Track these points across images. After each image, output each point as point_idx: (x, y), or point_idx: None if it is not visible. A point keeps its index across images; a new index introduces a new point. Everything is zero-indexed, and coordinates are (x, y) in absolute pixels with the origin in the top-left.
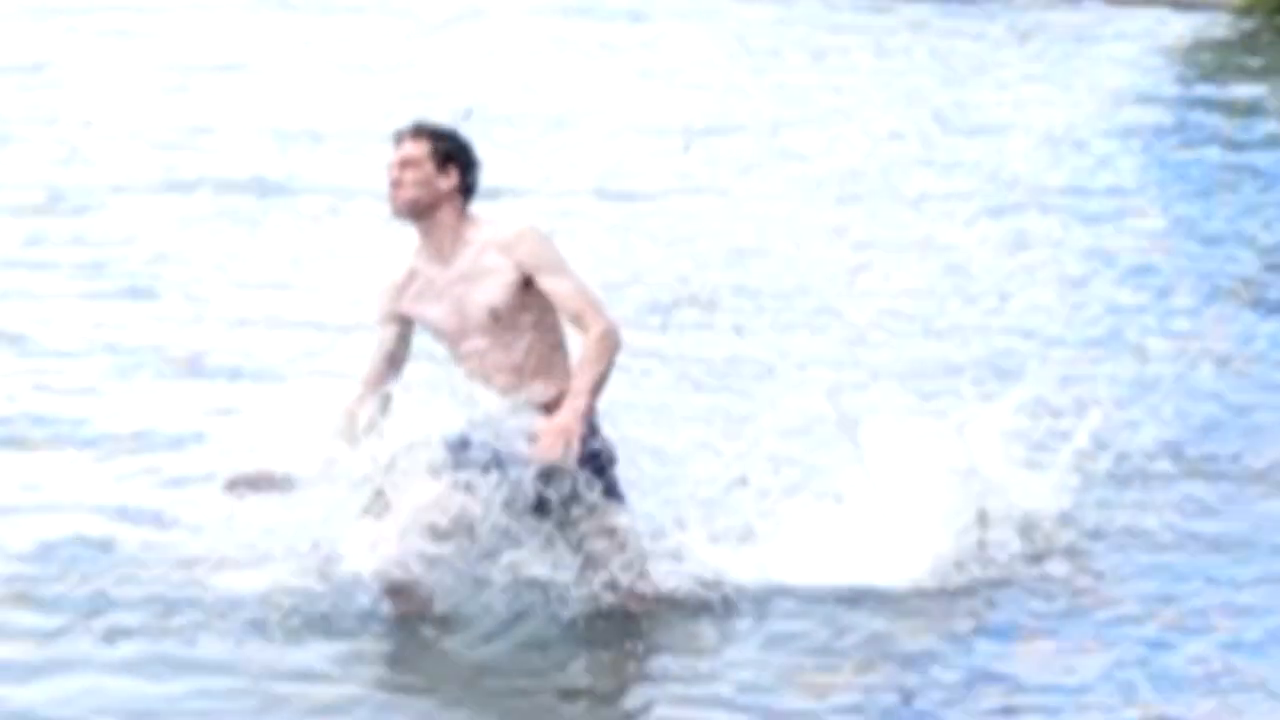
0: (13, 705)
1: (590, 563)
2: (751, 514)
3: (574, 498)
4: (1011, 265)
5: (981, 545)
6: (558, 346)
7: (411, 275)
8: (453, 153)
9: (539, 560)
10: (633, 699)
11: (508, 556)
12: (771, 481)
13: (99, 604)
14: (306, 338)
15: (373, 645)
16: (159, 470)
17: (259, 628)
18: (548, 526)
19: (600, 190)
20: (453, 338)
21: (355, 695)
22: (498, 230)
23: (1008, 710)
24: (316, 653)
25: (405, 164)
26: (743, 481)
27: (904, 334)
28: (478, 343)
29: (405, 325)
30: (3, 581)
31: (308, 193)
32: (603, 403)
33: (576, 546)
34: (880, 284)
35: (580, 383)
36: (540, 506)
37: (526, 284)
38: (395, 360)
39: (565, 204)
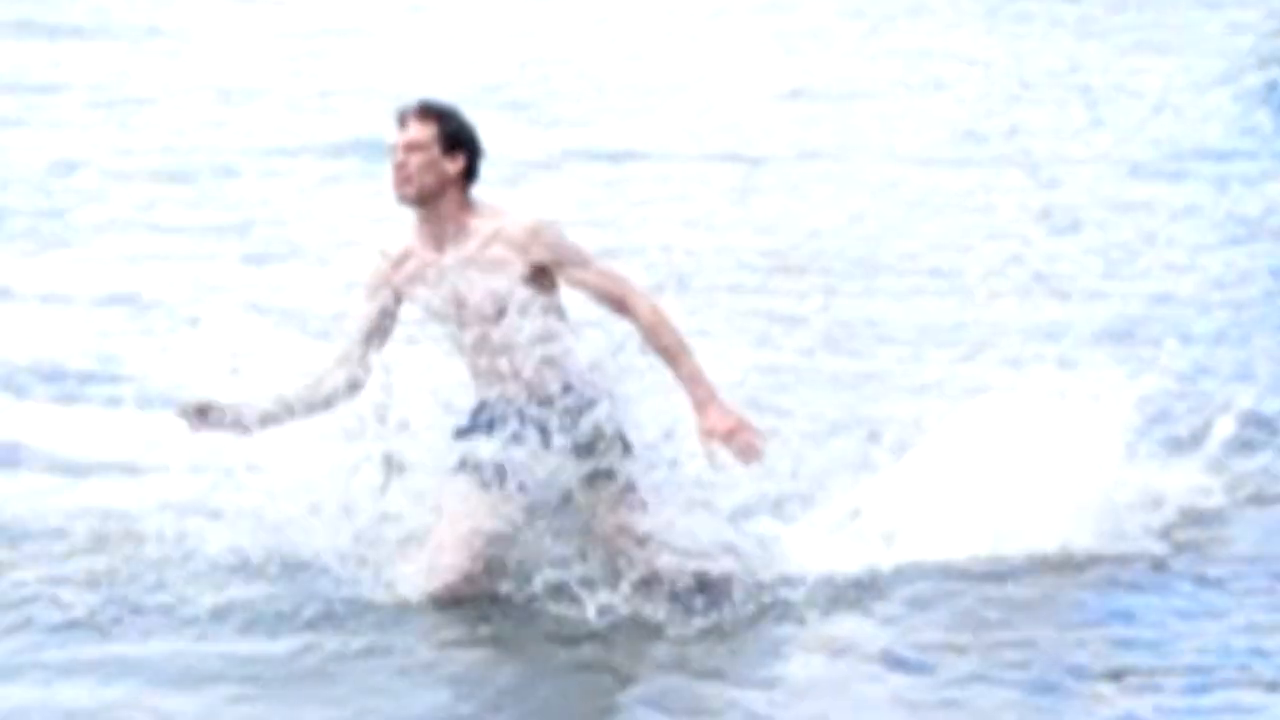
0: None
1: (614, 552)
2: (876, 489)
3: (607, 476)
4: (1139, 229)
5: (1113, 519)
6: (559, 336)
7: (406, 255)
8: (460, 136)
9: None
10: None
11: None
12: (897, 448)
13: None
14: None
15: (331, 638)
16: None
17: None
18: (566, 520)
19: (717, 154)
20: (449, 324)
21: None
22: (507, 223)
23: (1148, 687)
24: (270, 650)
25: (411, 147)
26: (874, 437)
27: (1032, 298)
28: (477, 331)
29: (392, 302)
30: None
31: None
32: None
33: (599, 535)
34: (1002, 248)
35: (689, 370)
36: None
37: (532, 278)
38: (373, 337)
39: (682, 168)
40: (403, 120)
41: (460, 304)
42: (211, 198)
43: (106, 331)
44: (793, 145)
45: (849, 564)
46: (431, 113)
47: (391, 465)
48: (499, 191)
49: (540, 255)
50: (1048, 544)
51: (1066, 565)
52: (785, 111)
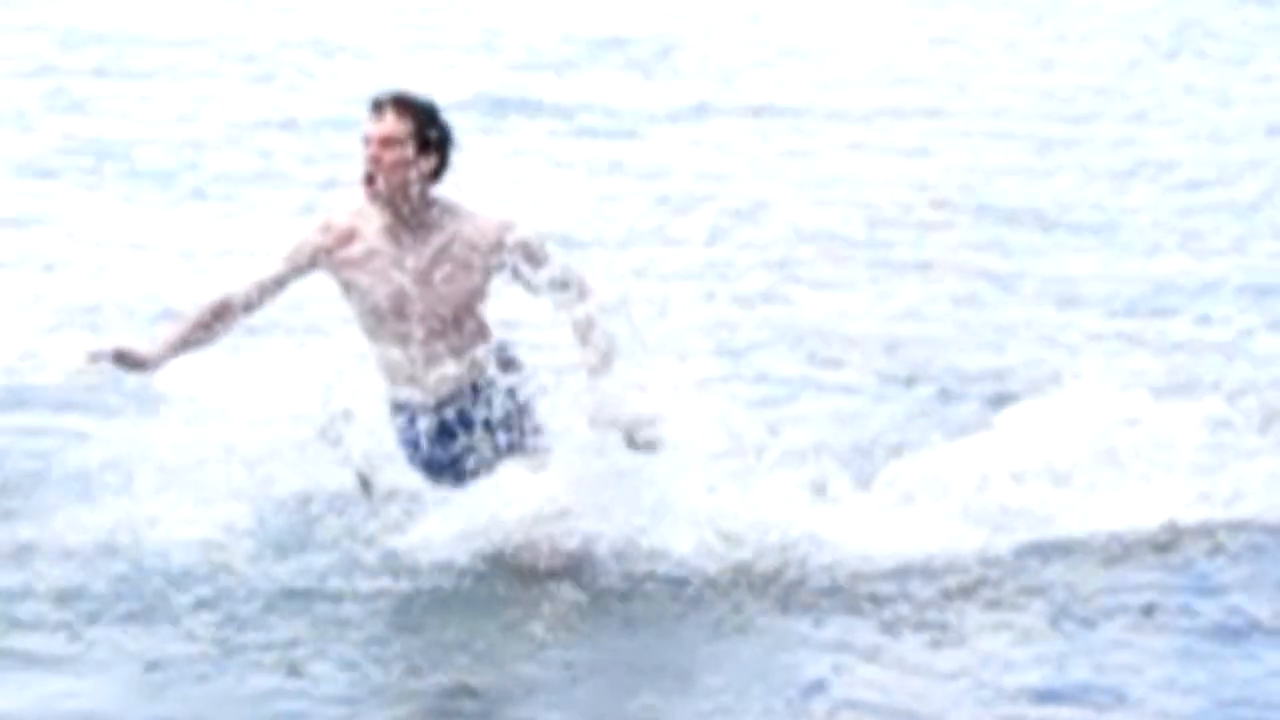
0: None
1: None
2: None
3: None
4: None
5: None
6: (482, 331)
7: (352, 235)
8: (436, 135)
9: None
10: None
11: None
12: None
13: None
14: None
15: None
16: None
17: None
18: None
19: (848, 109)
20: (387, 317)
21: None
22: (472, 225)
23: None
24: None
25: (387, 142)
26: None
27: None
28: (418, 329)
29: (295, 278)
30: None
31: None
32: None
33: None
34: (1150, 202)
35: (601, 360)
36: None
37: (484, 283)
38: (253, 303)
39: (812, 124)
40: (379, 110)
41: (410, 299)
42: (330, 152)
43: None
44: (925, 99)
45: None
46: (410, 108)
47: (366, 481)
48: (618, 144)
49: (508, 256)
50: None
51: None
52: (918, 66)
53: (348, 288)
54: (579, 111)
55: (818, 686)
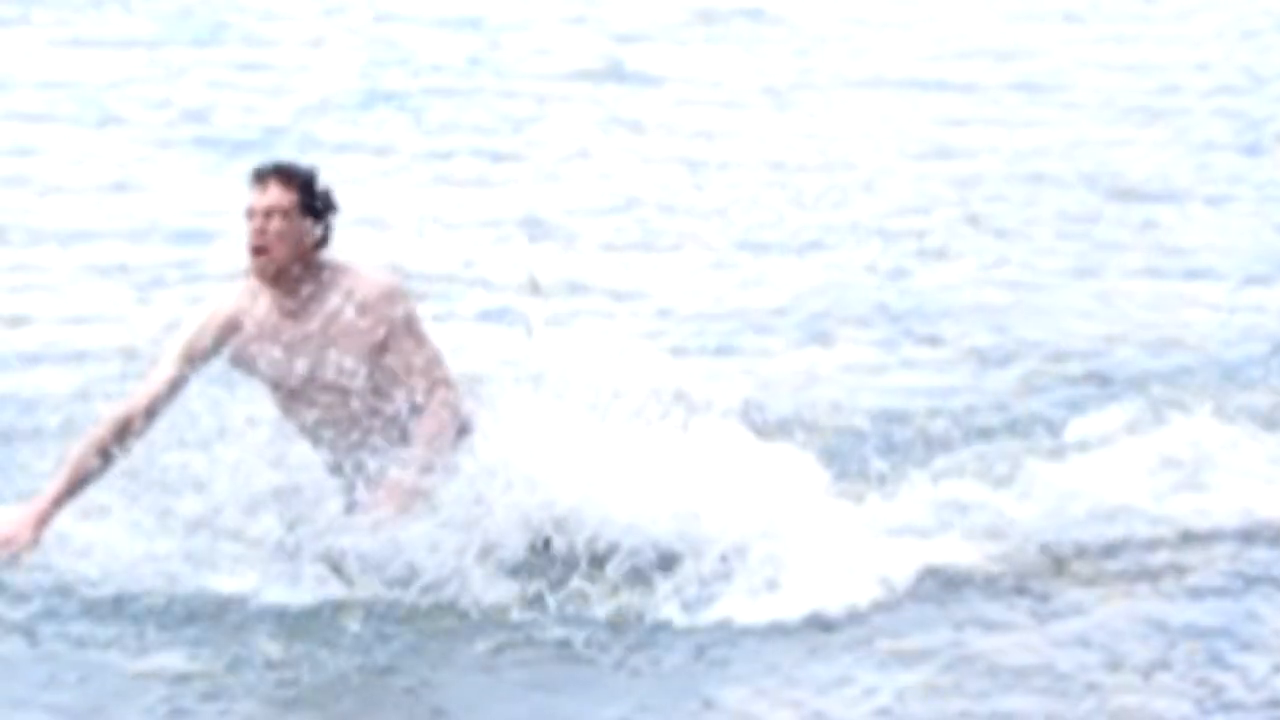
0: None
1: None
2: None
3: None
4: None
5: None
6: (396, 409)
7: (241, 320)
8: (320, 201)
9: None
10: None
11: None
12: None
13: None
14: None
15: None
16: None
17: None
18: None
19: (936, 84)
20: (290, 393)
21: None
22: (360, 285)
23: None
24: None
25: (272, 213)
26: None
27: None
28: (321, 399)
29: (192, 377)
30: None
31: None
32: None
33: None
34: (1230, 171)
35: (419, 458)
36: None
37: (380, 344)
38: (155, 410)
39: (903, 95)
40: (261, 181)
41: (309, 373)
42: (440, 123)
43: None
44: (1026, 72)
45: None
46: (293, 177)
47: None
48: (716, 115)
49: (388, 317)
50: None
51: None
52: (1018, 38)
53: (249, 371)
54: (677, 83)
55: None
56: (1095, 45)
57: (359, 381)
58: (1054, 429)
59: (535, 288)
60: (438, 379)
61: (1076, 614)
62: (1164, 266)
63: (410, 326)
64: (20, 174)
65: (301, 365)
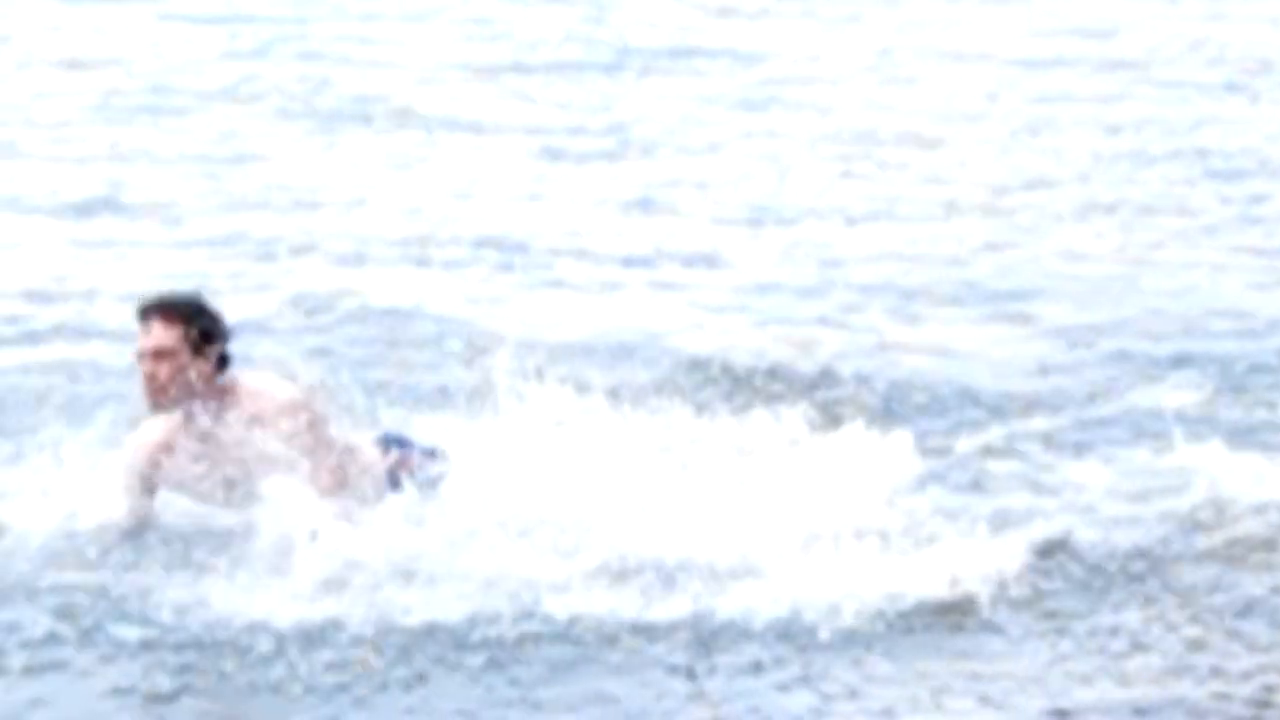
0: None
1: None
2: None
3: None
4: None
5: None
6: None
7: (165, 448)
8: (207, 330)
9: None
10: None
11: None
12: None
13: None
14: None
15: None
16: None
17: None
18: None
19: (1028, 61)
20: (225, 505)
21: None
22: (260, 401)
23: None
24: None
25: (160, 354)
26: None
27: None
28: (237, 500)
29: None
30: None
31: None
32: None
33: None
34: None
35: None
36: None
37: (291, 451)
38: (149, 523)
39: (994, 71)
40: (144, 321)
41: (229, 491)
42: (573, 96)
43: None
44: (1117, 49)
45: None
46: (176, 314)
47: None
48: (853, 87)
49: (290, 429)
50: None
51: None
52: (1109, 16)
53: (181, 492)
54: (776, 58)
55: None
56: (1190, 22)
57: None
58: (1141, 409)
59: None
60: (339, 480)
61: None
62: (1260, 244)
63: (313, 432)
64: (134, 148)
65: (218, 480)
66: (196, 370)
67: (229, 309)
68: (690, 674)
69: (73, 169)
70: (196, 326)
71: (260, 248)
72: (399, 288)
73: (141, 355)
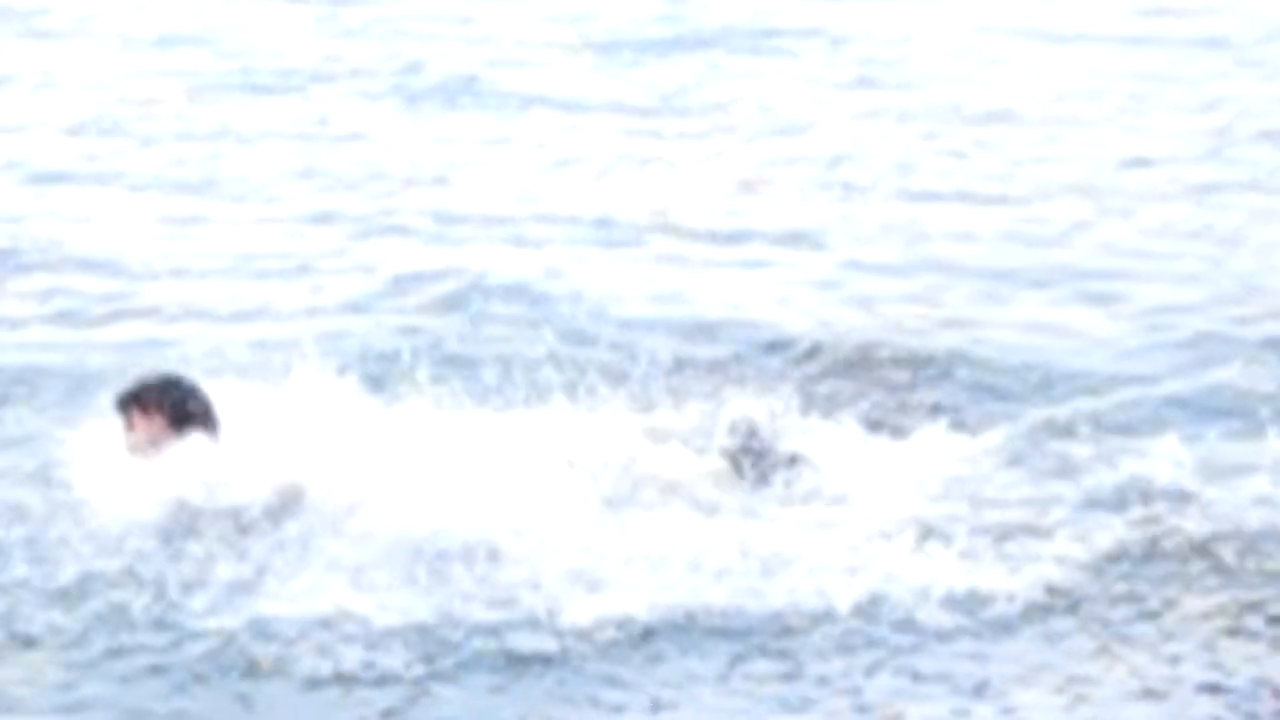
0: None
1: None
2: None
3: None
4: None
5: None
6: None
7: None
8: (186, 409)
9: None
10: None
11: None
12: None
13: None
14: None
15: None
16: None
17: None
18: None
19: (1125, 39)
20: None
21: None
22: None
23: None
24: None
25: (140, 446)
26: None
27: None
28: None
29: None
30: None
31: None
32: None
33: None
34: None
35: None
36: None
37: None
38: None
39: (1085, 49)
40: (124, 414)
41: None
42: (661, 75)
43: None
44: (1204, 28)
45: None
46: (151, 403)
47: None
48: (947, 65)
49: None
50: None
51: None
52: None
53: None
54: (857, 39)
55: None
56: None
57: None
58: (1229, 391)
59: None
60: None
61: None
62: None
63: None
64: (226, 127)
65: None
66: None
67: (322, 288)
68: (780, 668)
69: (167, 147)
70: (174, 410)
71: (352, 226)
72: (490, 265)
73: (129, 446)
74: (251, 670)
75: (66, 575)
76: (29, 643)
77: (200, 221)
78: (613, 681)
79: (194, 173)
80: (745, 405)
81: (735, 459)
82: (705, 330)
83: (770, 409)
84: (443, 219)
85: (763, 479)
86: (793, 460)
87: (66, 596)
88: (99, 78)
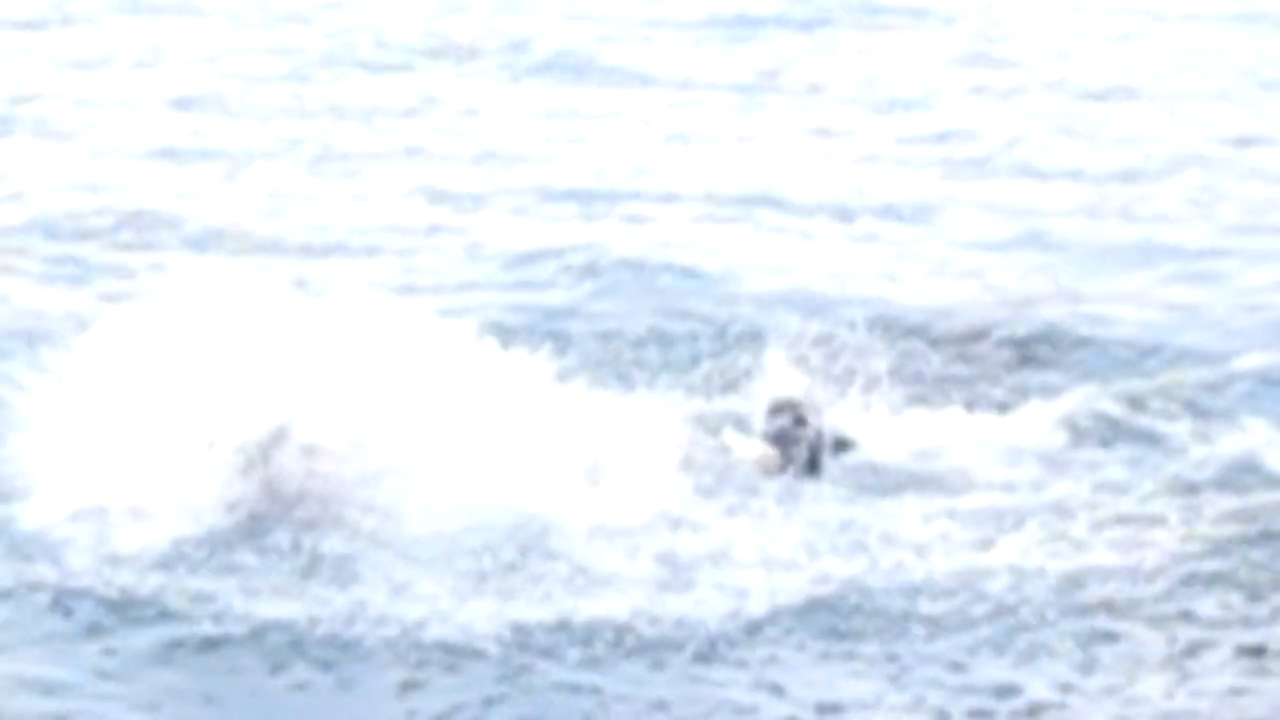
0: None
1: None
2: None
3: None
4: None
5: None
6: None
7: None
8: None
9: None
10: None
11: None
12: None
13: None
14: None
15: None
16: None
17: None
18: None
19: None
20: None
21: None
22: None
23: None
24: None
25: None
26: None
27: None
28: None
29: None
30: None
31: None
32: None
33: None
34: None
35: None
36: None
37: None
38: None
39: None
40: None
41: None
42: (766, 52)
43: None
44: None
45: None
46: None
47: None
48: (1073, 44)
49: None
50: None
51: None
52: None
53: None
54: (965, 17)
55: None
56: None
57: None
58: None
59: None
60: None
61: None
62: None
63: None
64: (332, 103)
65: None
66: None
67: (428, 264)
68: (883, 649)
69: (275, 123)
70: None
71: (460, 202)
72: (597, 241)
73: None
74: (300, 659)
75: (115, 569)
76: (77, 633)
77: (309, 198)
78: (716, 664)
79: (303, 149)
80: (790, 388)
81: (781, 444)
82: (812, 305)
83: (810, 391)
84: (550, 195)
85: (812, 464)
86: (842, 444)
87: (111, 588)
88: (205, 54)
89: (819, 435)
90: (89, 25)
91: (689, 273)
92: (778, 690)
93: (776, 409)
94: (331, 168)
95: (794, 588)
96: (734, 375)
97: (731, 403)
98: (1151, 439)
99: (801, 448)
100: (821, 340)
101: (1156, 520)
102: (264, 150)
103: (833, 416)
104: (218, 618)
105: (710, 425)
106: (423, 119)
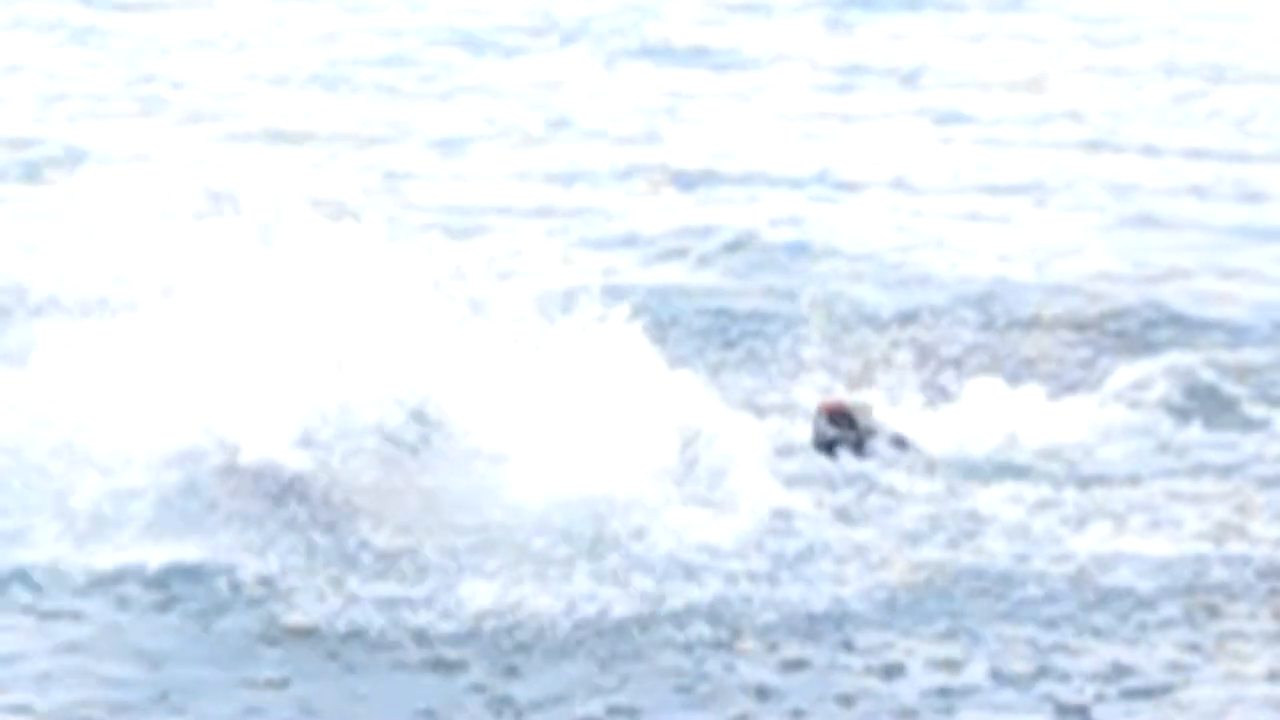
0: None
1: None
2: None
3: None
4: None
5: None
6: None
7: None
8: None
9: None
10: None
11: None
12: None
13: None
14: None
15: None
16: None
17: None
18: None
19: None
20: None
21: None
22: None
23: None
24: None
25: None
26: None
27: None
28: None
29: None
30: None
31: None
32: None
33: None
34: None
35: None
36: None
37: None
38: None
39: None
40: None
41: None
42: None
43: None
44: None
45: None
46: None
47: None
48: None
49: None
50: None
51: None
52: None
53: None
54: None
55: None
56: None
57: None
58: None
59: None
60: None
61: None
62: None
63: None
64: (440, 83)
65: None
66: None
67: (542, 245)
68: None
69: (372, 103)
70: None
71: (590, 181)
72: (717, 220)
73: None
74: (353, 645)
75: (165, 549)
76: (127, 624)
77: (416, 178)
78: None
79: (410, 130)
80: (838, 391)
81: (830, 448)
82: (923, 285)
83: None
84: (661, 175)
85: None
86: (898, 441)
87: (160, 570)
88: (316, 35)
89: (865, 435)
90: (207, 9)
91: (799, 250)
92: (889, 675)
93: (829, 415)
94: (439, 149)
95: (892, 577)
96: (837, 358)
97: (833, 387)
98: (1259, 421)
99: (846, 449)
100: (930, 323)
101: (1261, 503)
102: (372, 133)
103: (888, 417)
104: (317, 600)
105: (810, 410)
106: (529, 99)
